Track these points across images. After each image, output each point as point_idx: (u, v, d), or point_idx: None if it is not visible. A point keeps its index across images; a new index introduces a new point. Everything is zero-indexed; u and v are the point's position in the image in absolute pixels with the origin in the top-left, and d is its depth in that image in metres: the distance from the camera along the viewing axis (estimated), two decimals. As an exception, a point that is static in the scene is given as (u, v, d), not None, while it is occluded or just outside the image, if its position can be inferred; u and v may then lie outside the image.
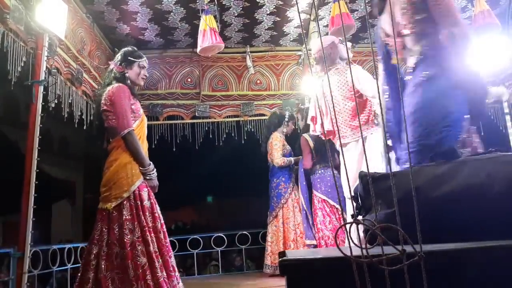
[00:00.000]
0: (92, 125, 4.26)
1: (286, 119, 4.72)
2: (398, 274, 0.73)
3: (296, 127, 5.01)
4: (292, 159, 4.55)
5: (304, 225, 4.36)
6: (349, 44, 3.12)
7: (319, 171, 4.32)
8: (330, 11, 4.26)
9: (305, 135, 4.44)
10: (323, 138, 3.11)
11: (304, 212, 4.38)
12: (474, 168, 1.43)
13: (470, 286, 1.07)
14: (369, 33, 1.12)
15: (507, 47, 4.21)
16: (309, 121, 3.22)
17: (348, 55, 1.80)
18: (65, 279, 4.18)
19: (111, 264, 2.38)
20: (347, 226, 0.70)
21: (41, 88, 3.23)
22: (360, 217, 1.70)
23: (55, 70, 3.46)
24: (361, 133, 2.80)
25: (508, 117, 5.38)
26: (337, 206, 4.15)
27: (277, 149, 4.51)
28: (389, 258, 0.69)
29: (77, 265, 4.07)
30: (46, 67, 3.30)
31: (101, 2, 4.18)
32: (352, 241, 0.68)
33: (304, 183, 4.42)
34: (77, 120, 4.01)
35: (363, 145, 2.95)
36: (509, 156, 1.42)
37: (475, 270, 1.09)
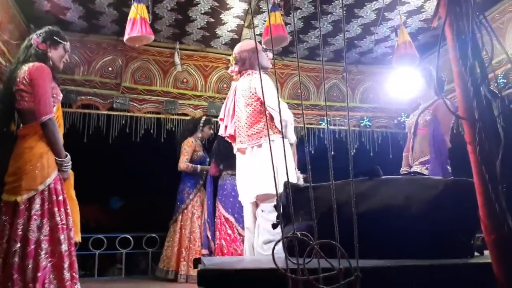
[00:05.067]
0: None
1: (201, 124, 4.63)
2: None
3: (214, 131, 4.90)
4: (198, 166, 4.45)
5: (204, 233, 4.31)
6: (270, 54, 3.11)
7: (224, 178, 4.33)
8: (265, 20, 4.30)
9: (216, 142, 4.42)
10: (229, 141, 3.07)
11: (205, 219, 4.34)
12: (394, 189, 1.48)
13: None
14: (296, 48, 1.10)
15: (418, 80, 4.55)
16: (219, 122, 3.15)
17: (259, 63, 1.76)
18: None
19: (8, 263, 2.11)
20: (285, 240, 0.65)
21: None
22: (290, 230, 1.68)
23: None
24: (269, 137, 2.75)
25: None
26: (227, 215, 4.16)
27: (184, 153, 4.41)
28: (326, 276, 0.65)
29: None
30: None
31: (20, -30, 3.78)
32: (289, 259, 0.63)
33: (209, 189, 4.38)
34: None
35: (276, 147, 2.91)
36: (427, 179, 1.49)
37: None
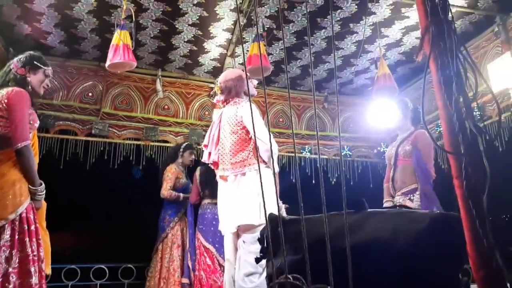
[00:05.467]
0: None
1: (181, 149, 4.53)
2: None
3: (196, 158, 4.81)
4: (181, 195, 4.32)
5: (185, 262, 4.18)
6: (255, 81, 3.15)
7: (204, 207, 4.21)
8: (247, 50, 4.34)
9: (197, 169, 4.34)
10: (212, 168, 3.03)
11: (187, 249, 4.21)
12: (380, 222, 1.46)
13: None
14: (287, 77, 1.10)
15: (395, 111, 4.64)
16: (203, 148, 3.12)
17: (249, 90, 1.74)
18: None
19: None
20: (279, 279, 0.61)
21: None
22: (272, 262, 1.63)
23: None
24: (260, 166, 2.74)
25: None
26: (207, 245, 4.05)
27: (167, 180, 4.29)
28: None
29: None
30: None
31: (1, -6, 3.75)
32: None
33: (190, 218, 4.27)
34: None
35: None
36: (415, 213, 1.48)
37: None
